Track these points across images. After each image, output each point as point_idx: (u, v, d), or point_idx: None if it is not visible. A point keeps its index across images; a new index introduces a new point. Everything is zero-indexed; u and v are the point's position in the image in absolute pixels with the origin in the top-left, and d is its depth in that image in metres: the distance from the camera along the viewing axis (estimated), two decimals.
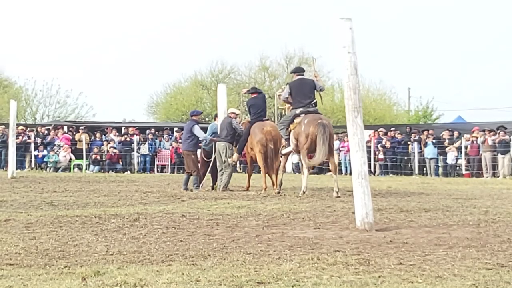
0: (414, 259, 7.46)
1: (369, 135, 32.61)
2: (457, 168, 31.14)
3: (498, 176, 28.27)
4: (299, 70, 17.76)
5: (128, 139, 35.25)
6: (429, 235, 9.32)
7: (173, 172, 33.36)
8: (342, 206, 13.45)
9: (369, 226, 9.82)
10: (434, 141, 31.22)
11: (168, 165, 34.59)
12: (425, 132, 32.36)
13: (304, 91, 16.64)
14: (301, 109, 16.52)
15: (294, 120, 16.59)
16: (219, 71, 60.08)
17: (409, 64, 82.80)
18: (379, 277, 6.44)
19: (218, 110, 19.67)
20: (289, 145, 16.89)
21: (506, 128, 29.03)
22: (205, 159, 19.03)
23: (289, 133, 16.73)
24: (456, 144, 30.57)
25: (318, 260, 7.29)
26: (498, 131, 28.89)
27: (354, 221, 10.22)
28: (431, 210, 12.76)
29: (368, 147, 30.63)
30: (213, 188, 18.72)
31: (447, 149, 30.73)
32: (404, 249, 8.14)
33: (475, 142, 29.70)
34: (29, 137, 34.21)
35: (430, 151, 31.12)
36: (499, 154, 28.65)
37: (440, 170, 30.98)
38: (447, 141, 31.04)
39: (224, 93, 20.03)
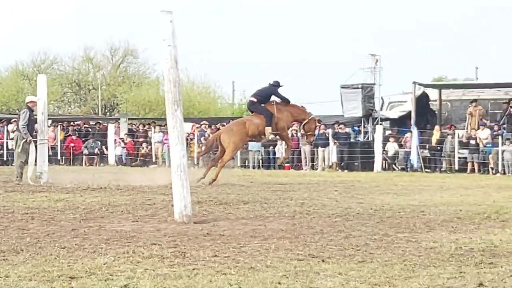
0: (229, 251, 7.56)
1: (192, 128, 32.76)
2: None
3: (317, 169, 29.26)
4: None
5: None
6: (245, 227, 9.49)
7: None
8: (163, 199, 13.44)
9: (187, 219, 9.87)
10: None
11: None
12: None
13: None
14: None
15: None
16: (41, 61, 58.51)
17: (233, 58, 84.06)
18: (193, 269, 6.48)
19: (38, 101, 19.05)
20: None
21: (321, 121, 30.10)
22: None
23: None
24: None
25: (134, 253, 7.24)
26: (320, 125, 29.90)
27: (173, 214, 10.23)
28: (249, 202, 13.02)
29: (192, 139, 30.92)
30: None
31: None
32: (220, 241, 8.24)
33: (294, 135, 30.58)
34: None
35: (253, 143, 31.64)
36: (318, 147, 29.66)
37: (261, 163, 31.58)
38: None
39: (44, 83, 19.50)
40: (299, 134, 30.10)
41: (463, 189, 17.45)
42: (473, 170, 26.80)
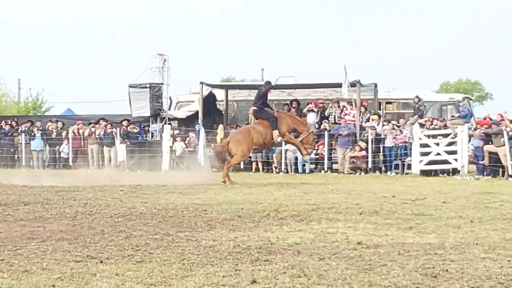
0: (4, 254, 7.30)
1: None
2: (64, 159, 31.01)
3: (105, 168, 28.88)
4: None
5: None
6: (23, 229, 9.19)
7: None
8: None
9: None
10: (41, 133, 30.83)
11: None
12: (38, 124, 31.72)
13: None
14: None
15: None
16: None
17: (20, 54, 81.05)
18: None
19: None
20: None
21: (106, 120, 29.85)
22: None
23: None
24: (64, 136, 30.59)
25: None
26: (121, 123, 29.60)
27: None
28: (30, 203, 12.62)
29: None
30: None
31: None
32: None
33: (77, 134, 30.07)
34: None
35: (37, 143, 30.69)
36: (104, 147, 29.31)
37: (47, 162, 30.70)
38: (54, 133, 30.88)
39: None
40: (86, 132, 29.52)
41: (247, 188, 17.89)
42: (258, 169, 27.60)
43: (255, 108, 20.54)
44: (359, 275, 6.30)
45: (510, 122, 23.55)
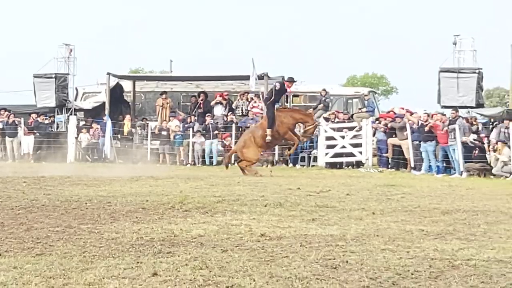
0: None
1: None
2: None
3: (7, 160, 28.19)
4: None
5: None
6: None
7: None
8: None
9: None
10: None
11: None
12: None
13: None
14: None
15: None
16: None
17: None
18: None
19: None
20: None
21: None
22: None
23: None
24: None
25: None
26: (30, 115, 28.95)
27: None
28: None
29: None
30: None
31: None
32: None
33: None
34: None
35: None
36: (7, 137, 28.59)
37: None
38: None
39: None
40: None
41: (153, 180, 17.74)
42: (165, 161, 27.46)
43: (269, 102, 20.73)
44: (261, 266, 6.35)
45: (411, 115, 24.16)
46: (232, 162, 22.72)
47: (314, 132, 21.03)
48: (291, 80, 21.25)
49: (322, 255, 6.93)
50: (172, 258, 6.77)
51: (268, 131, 20.19)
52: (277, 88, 20.51)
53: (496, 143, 21.27)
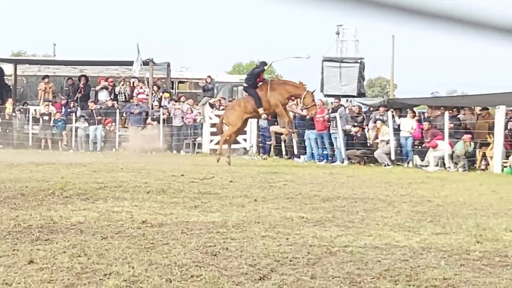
0: None
1: None
2: None
3: None
4: None
5: None
6: None
7: None
8: None
9: None
10: None
11: None
12: None
13: None
14: None
15: None
16: None
17: None
18: None
19: None
20: None
21: None
22: None
23: None
24: None
25: None
26: None
27: None
28: None
29: None
30: None
31: None
32: None
33: None
34: None
35: None
36: None
37: None
38: None
39: None
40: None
41: (33, 166, 17.35)
42: (47, 146, 26.86)
43: (244, 84, 20.87)
44: (140, 254, 6.31)
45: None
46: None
47: (313, 100, 20.63)
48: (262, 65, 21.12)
49: (202, 242, 6.95)
50: (50, 245, 6.63)
51: (260, 110, 19.94)
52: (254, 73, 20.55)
53: (375, 122, 21.80)
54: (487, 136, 20.42)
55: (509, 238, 7.56)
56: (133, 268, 5.69)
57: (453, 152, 20.23)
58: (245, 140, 25.31)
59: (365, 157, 21.94)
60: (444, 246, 7.03)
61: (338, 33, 27.91)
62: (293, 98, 21.40)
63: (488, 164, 20.13)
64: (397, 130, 21.58)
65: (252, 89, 20.23)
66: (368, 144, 22.24)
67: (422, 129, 21.52)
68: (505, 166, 19.23)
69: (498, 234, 7.76)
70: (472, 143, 20.37)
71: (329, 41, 28.68)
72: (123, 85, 28.44)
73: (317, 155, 22.87)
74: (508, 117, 20.22)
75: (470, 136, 20.35)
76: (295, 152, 23.62)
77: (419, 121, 22.02)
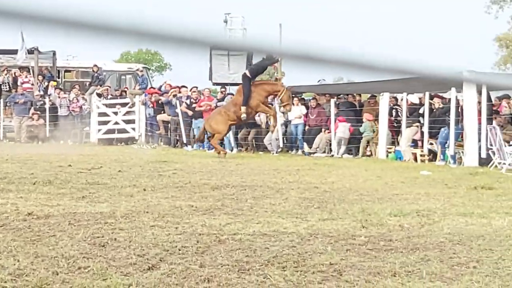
0: None
1: None
2: None
3: None
4: None
5: None
6: None
7: None
8: None
9: None
10: None
11: None
12: None
13: None
14: None
15: None
16: None
17: None
18: None
19: None
20: None
21: None
22: None
23: None
24: None
25: None
26: None
27: None
28: None
29: None
30: None
31: None
32: None
33: None
34: None
35: None
36: None
37: None
38: None
39: None
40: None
41: None
42: None
43: (246, 73, 19.87)
44: (26, 246, 6.18)
45: (179, 91, 24.43)
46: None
47: (290, 97, 20.23)
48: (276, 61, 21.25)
49: (90, 233, 6.86)
50: None
51: (243, 109, 19.46)
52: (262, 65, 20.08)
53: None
54: (373, 123, 20.96)
55: (393, 222, 7.81)
56: (18, 261, 5.57)
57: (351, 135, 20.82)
58: (133, 129, 25.07)
59: (255, 144, 22.19)
60: (330, 232, 7.19)
61: (226, 22, 27.97)
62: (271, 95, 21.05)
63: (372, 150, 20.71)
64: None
65: (249, 83, 19.73)
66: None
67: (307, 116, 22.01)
68: (390, 152, 19.83)
69: (383, 219, 8.00)
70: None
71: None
72: (6, 74, 27.60)
73: (206, 143, 22.91)
74: (392, 104, 20.82)
75: (371, 114, 20.82)
76: (184, 141, 23.59)
77: (307, 107, 22.41)
